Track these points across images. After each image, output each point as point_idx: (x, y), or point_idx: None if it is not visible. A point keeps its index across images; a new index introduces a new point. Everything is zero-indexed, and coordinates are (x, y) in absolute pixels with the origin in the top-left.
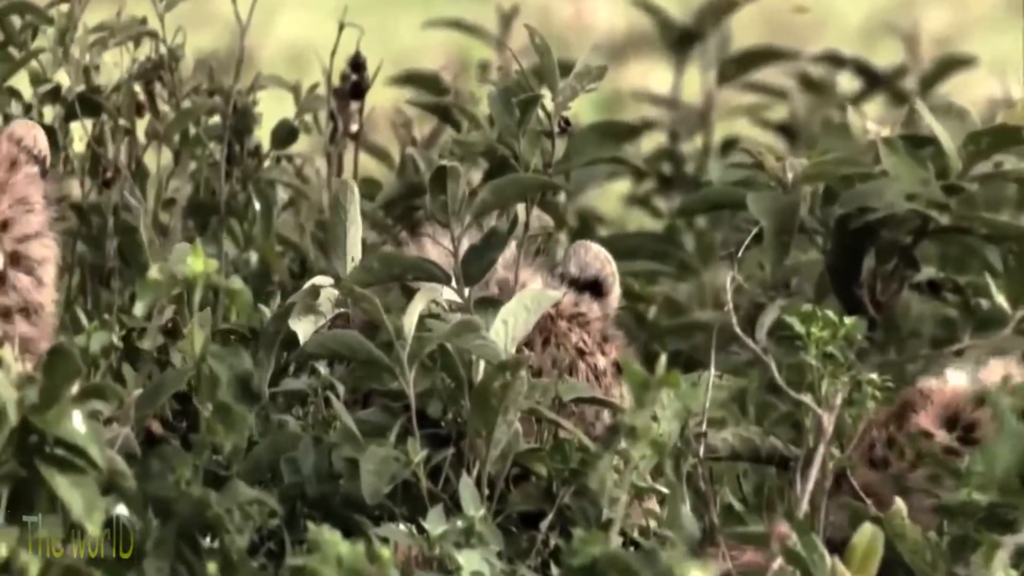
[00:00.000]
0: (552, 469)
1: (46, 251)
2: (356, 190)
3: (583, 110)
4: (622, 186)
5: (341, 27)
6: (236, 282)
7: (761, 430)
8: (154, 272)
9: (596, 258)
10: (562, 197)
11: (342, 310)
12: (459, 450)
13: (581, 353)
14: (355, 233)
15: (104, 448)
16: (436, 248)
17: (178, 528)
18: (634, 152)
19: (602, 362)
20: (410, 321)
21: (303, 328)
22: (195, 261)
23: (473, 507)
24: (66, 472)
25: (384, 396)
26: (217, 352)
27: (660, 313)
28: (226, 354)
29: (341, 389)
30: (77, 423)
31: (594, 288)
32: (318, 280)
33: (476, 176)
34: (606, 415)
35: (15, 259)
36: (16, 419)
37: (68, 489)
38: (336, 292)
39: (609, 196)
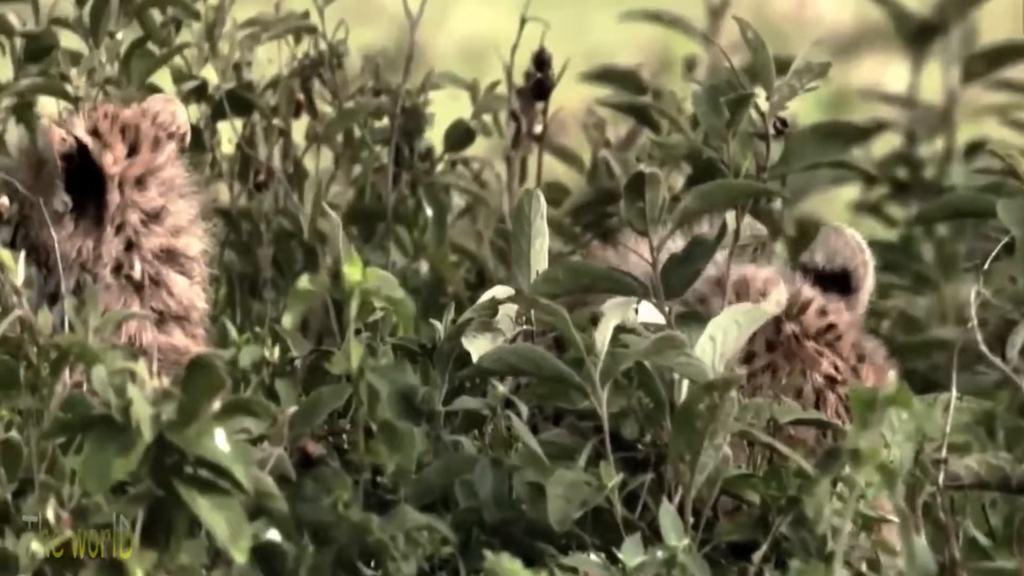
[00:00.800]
0: (767, 496)
1: (200, 244)
2: (542, 198)
3: (806, 110)
4: (850, 192)
5: (523, 21)
6: (397, 291)
7: (1012, 457)
8: (304, 282)
9: (847, 245)
10: (779, 204)
11: (527, 327)
12: (659, 475)
13: (832, 382)
14: (541, 244)
15: (251, 468)
16: (632, 258)
17: (336, 554)
18: (864, 155)
19: None
20: (603, 336)
21: (477, 346)
22: (352, 269)
23: (675, 536)
24: (208, 494)
25: (576, 416)
26: (378, 367)
27: (895, 329)
28: (388, 369)
29: (523, 408)
30: (220, 441)
31: (842, 281)
32: (497, 291)
33: (678, 182)
34: None
35: (169, 255)
36: (151, 436)
37: (211, 512)
38: (516, 306)
39: (834, 203)
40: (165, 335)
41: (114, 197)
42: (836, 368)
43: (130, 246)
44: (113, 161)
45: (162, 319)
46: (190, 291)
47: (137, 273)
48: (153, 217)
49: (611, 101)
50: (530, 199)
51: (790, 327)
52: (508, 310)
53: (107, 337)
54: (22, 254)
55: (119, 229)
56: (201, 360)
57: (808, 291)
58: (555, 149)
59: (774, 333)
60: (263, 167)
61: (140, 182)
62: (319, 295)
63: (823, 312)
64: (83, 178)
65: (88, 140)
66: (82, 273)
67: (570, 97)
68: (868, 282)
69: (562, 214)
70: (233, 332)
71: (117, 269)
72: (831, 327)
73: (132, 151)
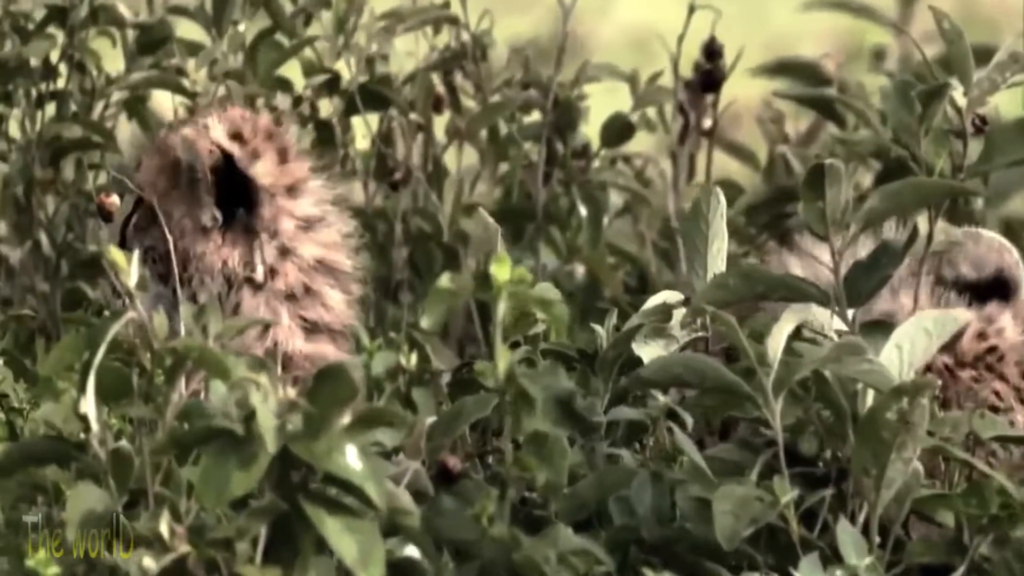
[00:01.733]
0: (965, 516)
1: (350, 260)
2: (721, 196)
3: (1012, 103)
4: None
5: (692, 9)
6: (550, 292)
7: None
8: (445, 280)
9: (990, 248)
10: (980, 203)
11: (700, 334)
12: (840, 491)
13: (994, 411)
14: (718, 247)
15: (386, 485)
16: (811, 264)
17: (479, 573)
18: None
19: (1021, 417)
20: (775, 344)
21: (650, 353)
22: (500, 269)
23: (856, 556)
24: (337, 514)
25: (749, 428)
26: (530, 372)
27: None
28: (542, 374)
29: (688, 419)
30: (351, 458)
31: (999, 288)
32: (665, 296)
33: (866, 179)
34: None
35: (324, 268)
36: (275, 449)
37: (340, 534)
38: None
39: None
40: (314, 344)
41: (265, 210)
42: (998, 395)
43: (285, 253)
44: (265, 171)
45: (314, 329)
46: (344, 306)
47: (290, 281)
48: (308, 226)
49: (791, 93)
50: (708, 196)
51: (940, 359)
52: (680, 315)
53: (249, 343)
54: (135, 253)
55: (273, 235)
56: (330, 368)
57: (962, 314)
58: (727, 145)
59: (922, 370)
60: (400, 165)
61: (292, 190)
62: (461, 297)
63: (981, 335)
64: (230, 187)
65: (235, 150)
66: (226, 283)
67: (745, 90)
68: None
69: (735, 214)
70: (365, 337)
71: (268, 277)
72: (991, 349)
73: (282, 158)
